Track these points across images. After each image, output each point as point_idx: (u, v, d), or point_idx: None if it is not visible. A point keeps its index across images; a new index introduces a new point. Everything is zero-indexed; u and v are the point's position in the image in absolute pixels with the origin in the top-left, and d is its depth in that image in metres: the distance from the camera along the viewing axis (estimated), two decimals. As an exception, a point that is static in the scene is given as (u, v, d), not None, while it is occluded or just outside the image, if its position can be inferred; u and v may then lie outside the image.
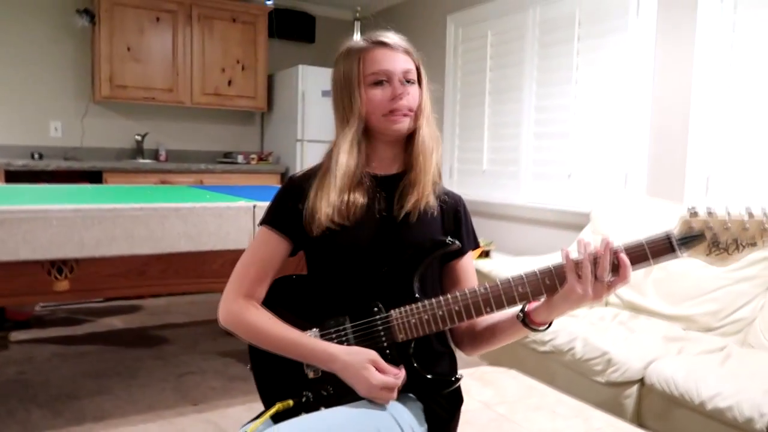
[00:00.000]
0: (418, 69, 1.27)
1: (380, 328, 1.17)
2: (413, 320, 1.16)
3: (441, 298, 1.15)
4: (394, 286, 1.19)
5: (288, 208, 1.25)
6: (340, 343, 1.18)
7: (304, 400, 1.18)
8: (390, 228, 1.22)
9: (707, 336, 2.42)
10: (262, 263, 1.25)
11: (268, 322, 1.20)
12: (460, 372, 1.23)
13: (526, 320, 1.17)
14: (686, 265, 2.57)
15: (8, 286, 2.18)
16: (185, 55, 4.97)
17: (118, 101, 4.87)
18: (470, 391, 1.73)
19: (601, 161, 3.53)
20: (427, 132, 1.25)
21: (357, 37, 1.29)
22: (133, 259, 2.29)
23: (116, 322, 3.92)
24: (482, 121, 4.39)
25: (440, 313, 1.15)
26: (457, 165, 4.65)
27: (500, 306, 1.13)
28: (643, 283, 2.69)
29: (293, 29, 5.68)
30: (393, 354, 1.16)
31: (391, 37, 1.26)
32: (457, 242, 1.22)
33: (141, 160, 4.92)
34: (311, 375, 1.18)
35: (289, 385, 1.21)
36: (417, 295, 1.18)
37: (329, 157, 1.26)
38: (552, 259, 1.14)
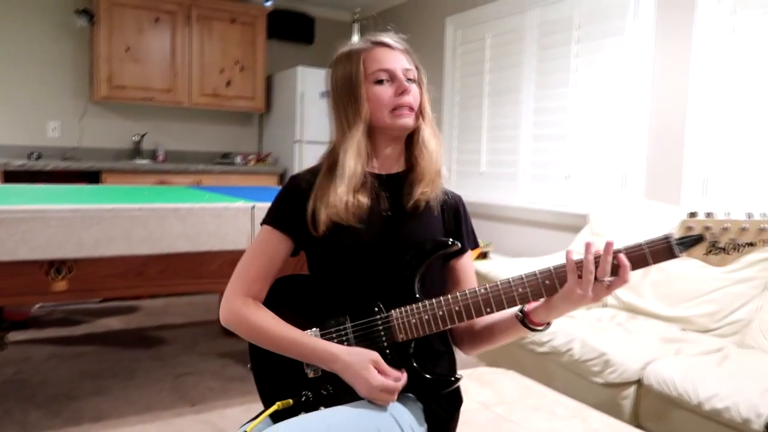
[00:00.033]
0: (417, 70, 1.28)
1: (380, 328, 1.18)
2: (413, 320, 1.16)
3: (441, 298, 1.16)
4: (394, 287, 1.19)
5: (290, 208, 1.26)
6: (340, 342, 1.18)
7: (303, 399, 1.19)
8: (393, 227, 1.23)
9: (705, 337, 2.43)
10: (263, 262, 1.25)
11: (270, 321, 1.20)
12: (459, 372, 1.24)
13: (525, 320, 1.18)
14: (684, 267, 2.58)
15: (6, 286, 2.18)
16: (184, 56, 4.97)
17: (117, 101, 4.87)
18: (469, 391, 1.73)
19: (599, 163, 3.54)
20: (428, 131, 1.27)
21: (355, 39, 1.31)
22: (132, 259, 2.28)
23: (114, 323, 3.92)
24: (481, 122, 4.40)
25: (440, 313, 1.15)
26: (456, 166, 4.66)
27: (500, 306, 1.14)
28: (641, 284, 2.70)
29: (292, 30, 5.69)
30: (393, 354, 1.17)
31: (390, 37, 1.28)
32: (458, 243, 1.23)
33: (139, 161, 4.92)
34: (311, 374, 1.18)
35: (289, 384, 1.21)
36: (417, 295, 1.18)
37: (330, 157, 1.27)
38: (550, 261, 1.15)
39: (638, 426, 2.05)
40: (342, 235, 1.20)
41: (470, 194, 4.26)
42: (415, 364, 1.17)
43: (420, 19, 5.05)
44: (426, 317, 1.16)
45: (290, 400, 1.18)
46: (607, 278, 1.08)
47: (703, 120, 2.99)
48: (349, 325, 1.19)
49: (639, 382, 2.13)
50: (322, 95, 4.79)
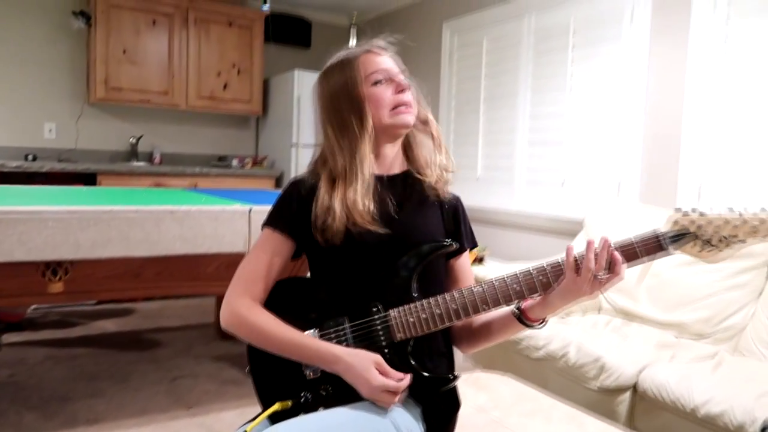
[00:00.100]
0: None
1: (379, 327, 1.18)
2: (411, 319, 1.17)
3: (438, 296, 1.17)
4: (392, 287, 1.20)
5: (292, 211, 1.26)
6: (339, 343, 1.18)
7: (302, 400, 1.19)
8: (397, 229, 1.23)
9: (699, 343, 2.44)
10: (264, 265, 1.25)
11: (272, 323, 1.20)
12: (457, 372, 1.25)
13: (521, 317, 1.20)
14: (678, 273, 2.59)
15: (2, 288, 2.17)
16: (181, 59, 4.97)
17: (113, 103, 4.87)
18: (465, 395, 1.73)
19: (594, 169, 3.56)
20: (424, 130, 1.32)
21: (350, 45, 1.33)
22: (129, 261, 2.28)
23: (109, 325, 3.91)
24: (477, 127, 4.42)
25: (438, 311, 1.17)
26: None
27: (497, 303, 1.16)
28: (636, 290, 2.71)
29: (289, 34, 5.70)
30: (392, 353, 1.17)
31: (380, 42, 1.32)
32: (454, 243, 1.25)
33: (135, 163, 4.91)
34: (310, 375, 1.19)
35: (288, 385, 1.21)
36: (415, 295, 1.19)
37: (324, 164, 1.27)
38: (546, 263, 1.17)
39: (633, 431, 2.06)
40: (349, 239, 1.21)
41: (466, 199, 4.17)
42: (413, 363, 1.18)
43: (417, 24, 5.07)
44: (424, 316, 1.17)
45: (289, 402, 1.19)
46: (603, 274, 1.11)
47: (698, 126, 3.01)
48: (348, 325, 1.20)
49: (634, 388, 2.14)
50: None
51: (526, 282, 1.15)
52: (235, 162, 5.31)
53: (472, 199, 4.30)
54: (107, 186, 4.32)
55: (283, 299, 1.26)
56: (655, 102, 3.23)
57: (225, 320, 1.24)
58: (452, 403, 1.27)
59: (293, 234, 1.26)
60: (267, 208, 1.31)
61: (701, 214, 1.09)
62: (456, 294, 1.17)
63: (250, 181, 5.04)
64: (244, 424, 1.19)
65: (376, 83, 1.25)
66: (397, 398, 1.13)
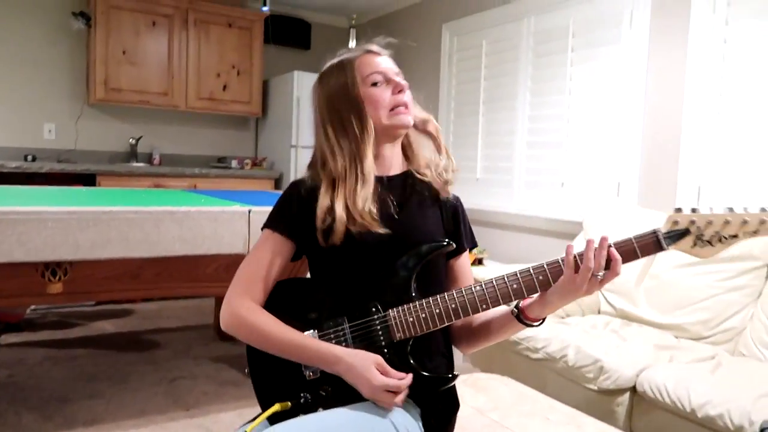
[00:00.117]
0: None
1: (378, 327, 1.19)
2: (410, 318, 1.17)
3: (438, 296, 1.18)
4: (391, 287, 1.21)
5: (292, 213, 1.27)
6: (338, 343, 1.19)
7: (302, 401, 1.19)
8: (396, 229, 1.23)
9: (698, 345, 2.44)
10: (264, 266, 1.25)
11: (272, 324, 1.20)
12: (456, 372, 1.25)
13: (520, 316, 1.21)
14: (678, 274, 2.60)
15: (1, 288, 2.17)
16: (180, 59, 4.97)
17: (113, 104, 4.87)
18: (464, 397, 1.73)
19: (593, 170, 3.56)
20: (423, 131, 1.33)
21: (351, 45, 1.33)
22: (128, 262, 2.28)
23: (108, 326, 3.91)
24: (476, 129, 4.42)
25: (437, 311, 1.17)
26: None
27: (495, 302, 1.16)
28: (635, 292, 2.71)
29: (289, 35, 5.70)
30: (391, 353, 1.17)
31: (377, 43, 1.33)
32: (453, 244, 1.25)
33: (135, 164, 4.91)
34: (310, 376, 1.19)
35: (288, 386, 1.21)
36: (414, 295, 1.20)
37: (324, 167, 1.27)
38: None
39: (632, 432, 2.07)
40: (350, 240, 1.21)
41: (466, 200, 4.21)
42: (413, 362, 1.18)
43: (416, 26, 5.07)
44: (423, 315, 1.17)
45: (288, 402, 1.19)
46: (601, 272, 1.12)
47: (697, 128, 3.02)
48: (347, 325, 1.20)
49: (633, 389, 2.14)
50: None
51: (525, 281, 1.15)
52: (234, 163, 5.31)
53: (471, 200, 4.31)
54: (107, 187, 4.32)
55: (282, 300, 1.26)
56: (654, 104, 3.24)
57: (225, 321, 1.24)
58: (451, 404, 1.27)
59: (293, 235, 1.26)
60: (266, 209, 1.31)
61: (701, 215, 1.10)
62: (455, 293, 1.17)
63: (249, 182, 5.04)
64: (244, 425, 1.19)
65: (374, 84, 1.26)
66: (398, 398, 1.13)
